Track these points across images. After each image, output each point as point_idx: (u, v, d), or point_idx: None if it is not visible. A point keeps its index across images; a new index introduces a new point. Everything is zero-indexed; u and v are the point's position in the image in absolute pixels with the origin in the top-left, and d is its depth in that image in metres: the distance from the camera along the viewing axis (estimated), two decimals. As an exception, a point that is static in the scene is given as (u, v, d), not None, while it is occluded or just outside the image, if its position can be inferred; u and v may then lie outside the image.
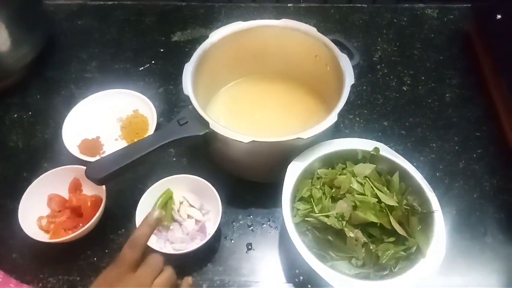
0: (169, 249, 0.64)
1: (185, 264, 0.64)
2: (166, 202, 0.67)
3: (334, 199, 0.59)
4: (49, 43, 0.91)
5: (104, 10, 1.01)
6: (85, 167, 0.60)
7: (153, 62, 0.91)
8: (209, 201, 0.67)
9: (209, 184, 0.66)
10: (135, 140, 0.74)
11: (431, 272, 0.53)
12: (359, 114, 0.82)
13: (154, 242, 0.63)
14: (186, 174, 0.68)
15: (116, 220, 0.68)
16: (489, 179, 0.73)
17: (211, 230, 0.64)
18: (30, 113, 0.83)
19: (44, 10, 0.97)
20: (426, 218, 0.57)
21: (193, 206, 0.68)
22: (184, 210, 0.67)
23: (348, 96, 0.64)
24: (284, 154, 0.62)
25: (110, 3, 1.03)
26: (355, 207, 0.57)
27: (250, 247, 0.67)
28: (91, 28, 0.98)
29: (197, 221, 0.67)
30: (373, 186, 0.59)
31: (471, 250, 0.66)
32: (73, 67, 0.91)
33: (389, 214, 0.56)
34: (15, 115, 0.83)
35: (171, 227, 0.66)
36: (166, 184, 0.68)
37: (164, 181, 0.67)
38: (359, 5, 1.02)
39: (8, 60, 0.81)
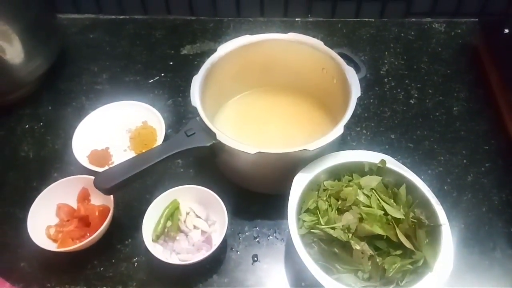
0: (174, 259, 0.64)
1: (190, 275, 0.64)
2: (173, 212, 0.68)
3: (340, 211, 0.59)
4: (62, 56, 0.93)
5: (115, 24, 1.03)
6: (93, 177, 0.61)
7: (162, 74, 0.93)
8: (216, 212, 0.67)
9: (216, 195, 0.66)
10: (144, 151, 0.75)
11: (438, 286, 0.52)
12: (366, 127, 0.82)
13: (160, 253, 0.63)
14: (193, 185, 0.68)
15: (123, 230, 0.69)
16: (497, 193, 0.73)
17: (217, 241, 0.64)
18: (41, 124, 0.85)
19: (57, 23, 0.99)
20: (433, 231, 0.57)
21: (199, 217, 0.68)
22: (190, 220, 0.68)
23: (355, 109, 0.64)
24: (290, 165, 0.62)
25: (121, 17, 1.05)
26: (361, 219, 0.56)
27: (256, 258, 0.67)
28: (103, 41, 1.00)
29: (203, 232, 0.67)
30: (379, 199, 0.59)
31: (480, 265, 0.65)
32: (84, 79, 0.92)
33: (396, 226, 0.56)
34: (27, 126, 0.84)
35: (177, 238, 0.66)
36: (173, 194, 0.68)
37: (171, 192, 0.68)
38: (367, 19, 1.03)
39: (21, 72, 0.83)
